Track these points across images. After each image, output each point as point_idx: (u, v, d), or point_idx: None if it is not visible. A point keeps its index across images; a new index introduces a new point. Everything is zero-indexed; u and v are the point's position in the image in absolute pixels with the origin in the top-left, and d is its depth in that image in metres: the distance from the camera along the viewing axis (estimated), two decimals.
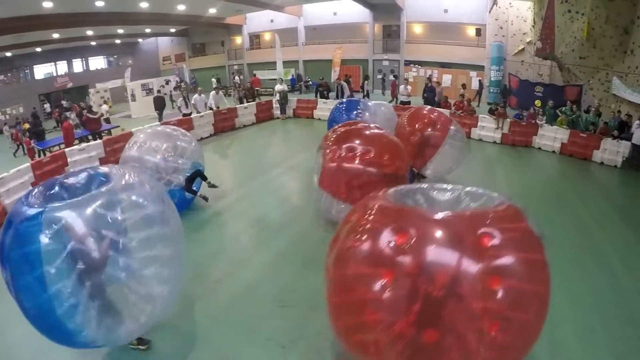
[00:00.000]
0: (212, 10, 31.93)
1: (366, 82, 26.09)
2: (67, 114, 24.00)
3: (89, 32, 32.65)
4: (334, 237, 4.75)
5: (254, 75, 33.06)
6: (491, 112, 17.53)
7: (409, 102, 20.16)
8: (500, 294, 3.76)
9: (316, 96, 23.94)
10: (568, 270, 7.21)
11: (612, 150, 14.15)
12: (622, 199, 11.67)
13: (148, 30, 38.15)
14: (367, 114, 12.14)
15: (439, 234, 3.94)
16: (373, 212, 4.49)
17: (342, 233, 4.60)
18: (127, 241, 4.74)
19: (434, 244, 3.89)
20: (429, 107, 13.21)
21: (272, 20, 34.96)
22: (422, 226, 4.03)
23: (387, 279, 3.90)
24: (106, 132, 19.16)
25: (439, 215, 4.12)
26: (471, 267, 3.75)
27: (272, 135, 19.40)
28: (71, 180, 5.81)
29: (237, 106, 21.25)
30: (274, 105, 22.28)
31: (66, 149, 13.68)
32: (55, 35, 30.64)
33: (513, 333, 3.88)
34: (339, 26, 32.27)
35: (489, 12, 25.83)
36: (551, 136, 15.81)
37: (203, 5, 29.83)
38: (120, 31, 35.26)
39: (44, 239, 4.46)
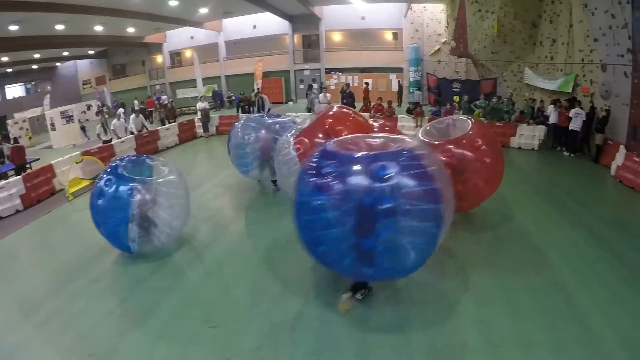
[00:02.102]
0: (131, 30, 30.07)
1: (310, 90, 25.82)
2: None
3: (4, 58, 30.69)
4: None
5: (149, 96, 31.59)
6: (409, 111, 17.49)
7: None
8: (476, 161, 7.71)
9: (237, 111, 22.93)
10: (494, 251, 7.50)
11: (528, 135, 14.67)
12: (540, 179, 12.15)
13: (66, 54, 35.78)
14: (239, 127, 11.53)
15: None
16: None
17: None
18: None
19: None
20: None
21: (192, 37, 33.44)
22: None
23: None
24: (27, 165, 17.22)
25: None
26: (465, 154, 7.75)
27: (195, 155, 18.12)
28: None
29: (158, 128, 19.88)
30: (197, 124, 21.08)
31: None
32: None
33: (485, 175, 7.94)
34: (259, 39, 31.37)
35: (405, 16, 25.91)
36: None
37: (121, 25, 28.00)
38: (37, 56, 33.21)
39: None
